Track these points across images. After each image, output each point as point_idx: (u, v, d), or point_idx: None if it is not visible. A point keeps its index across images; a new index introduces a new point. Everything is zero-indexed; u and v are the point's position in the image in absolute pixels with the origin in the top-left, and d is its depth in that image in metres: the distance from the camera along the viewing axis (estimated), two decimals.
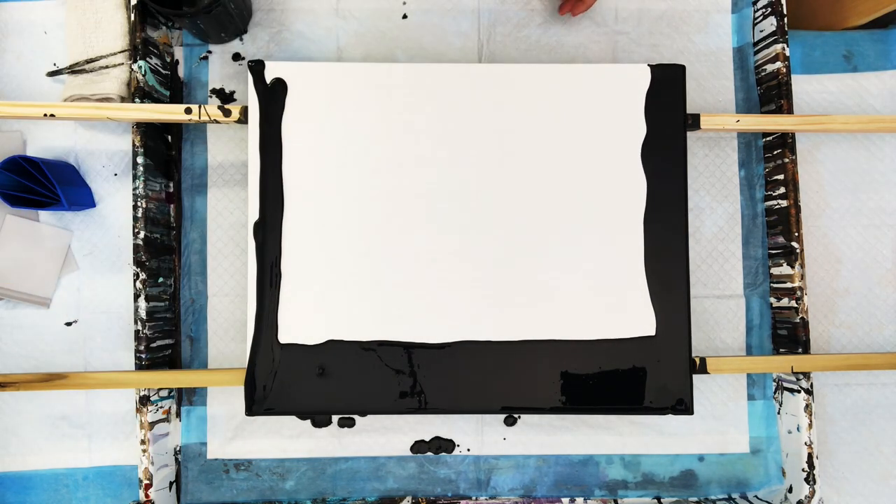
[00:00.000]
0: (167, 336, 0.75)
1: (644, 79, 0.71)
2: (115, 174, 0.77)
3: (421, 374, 0.69)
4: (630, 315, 0.70)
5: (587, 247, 0.70)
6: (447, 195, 0.70)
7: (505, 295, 0.69)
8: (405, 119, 0.70)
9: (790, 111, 0.75)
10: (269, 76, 0.70)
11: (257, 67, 0.70)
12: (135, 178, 0.72)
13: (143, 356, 0.71)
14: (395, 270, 0.69)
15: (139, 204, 0.71)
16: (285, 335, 0.68)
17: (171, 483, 0.74)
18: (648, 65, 0.71)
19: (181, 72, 0.79)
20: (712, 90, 0.80)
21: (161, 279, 0.74)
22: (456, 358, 0.69)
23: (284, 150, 0.69)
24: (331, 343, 0.68)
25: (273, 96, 0.69)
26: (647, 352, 0.69)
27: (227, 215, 0.77)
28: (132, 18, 0.73)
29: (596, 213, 0.70)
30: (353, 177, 0.69)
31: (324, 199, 0.69)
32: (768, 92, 0.77)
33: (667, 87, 0.71)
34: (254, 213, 0.69)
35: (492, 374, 0.69)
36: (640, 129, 0.70)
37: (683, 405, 0.69)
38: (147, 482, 0.69)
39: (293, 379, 0.68)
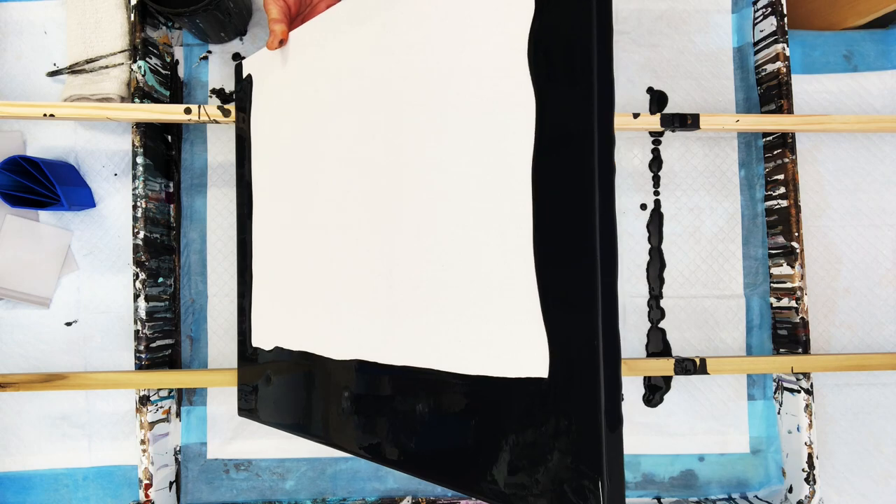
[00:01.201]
0: (167, 336, 0.75)
1: None
2: (115, 174, 0.77)
3: (317, 394, 0.58)
4: (507, 341, 0.41)
5: (449, 226, 0.46)
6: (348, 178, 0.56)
7: (403, 302, 0.50)
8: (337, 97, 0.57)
9: (790, 111, 0.75)
10: (245, 73, 0.69)
11: (237, 66, 0.69)
12: (135, 178, 0.72)
13: (143, 356, 0.71)
14: (321, 272, 0.58)
15: (139, 204, 0.71)
16: (255, 338, 0.66)
17: (171, 483, 0.74)
18: None
19: (181, 72, 0.79)
20: (712, 90, 0.80)
21: (161, 279, 0.74)
22: (349, 378, 0.55)
23: (253, 147, 0.67)
24: (277, 350, 0.63)
25: (245, 93, 0.68)
26: (533, 406, 0.40)
27: (227, 215, 0.77)
28: (132, 18, 0.73)
29: (459, 166, 0.45)
30: (298, 170, 0.61)
31: (278, 198, 0.64)
32: (768, 92, 0.77)
33: None
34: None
35: (366, 403, 0.54)
36: (524, 8, 0.41)
37: None
38: (147, 482, 0.69)
39: (261, 385, 0.65)
